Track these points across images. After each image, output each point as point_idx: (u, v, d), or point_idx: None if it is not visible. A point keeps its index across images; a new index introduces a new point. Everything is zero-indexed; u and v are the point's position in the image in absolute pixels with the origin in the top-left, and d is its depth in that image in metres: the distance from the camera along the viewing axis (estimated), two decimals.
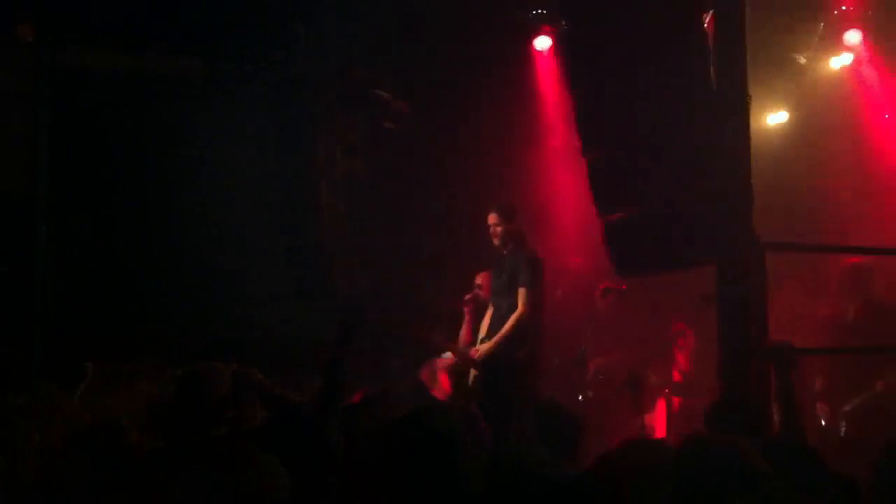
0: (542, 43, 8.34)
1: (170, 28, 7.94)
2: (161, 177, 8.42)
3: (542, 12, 8.19)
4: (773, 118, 8.16)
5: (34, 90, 7.71)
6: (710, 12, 4.84)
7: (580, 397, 7.20)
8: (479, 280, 7.33)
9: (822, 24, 7.63)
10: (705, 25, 4.86)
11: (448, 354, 6.94)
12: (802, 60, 7.80)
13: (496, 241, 6.82)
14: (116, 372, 5.93)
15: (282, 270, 8.70)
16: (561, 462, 3.60)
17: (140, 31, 7.91)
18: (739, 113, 4.64)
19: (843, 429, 6.28)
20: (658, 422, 7.56)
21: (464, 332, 7.27)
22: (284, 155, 8.79)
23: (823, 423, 6.67)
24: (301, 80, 8.59)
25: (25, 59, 7.63)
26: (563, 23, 6.73)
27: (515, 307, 6.55)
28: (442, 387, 6.89)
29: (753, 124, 4.78)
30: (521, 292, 6.52)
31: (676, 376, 7.69)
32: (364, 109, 8.80)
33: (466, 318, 7.23)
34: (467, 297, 7.22)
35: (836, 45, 7.72)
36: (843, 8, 7.54)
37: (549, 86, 8.48)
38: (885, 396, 6.33)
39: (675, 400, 7.50)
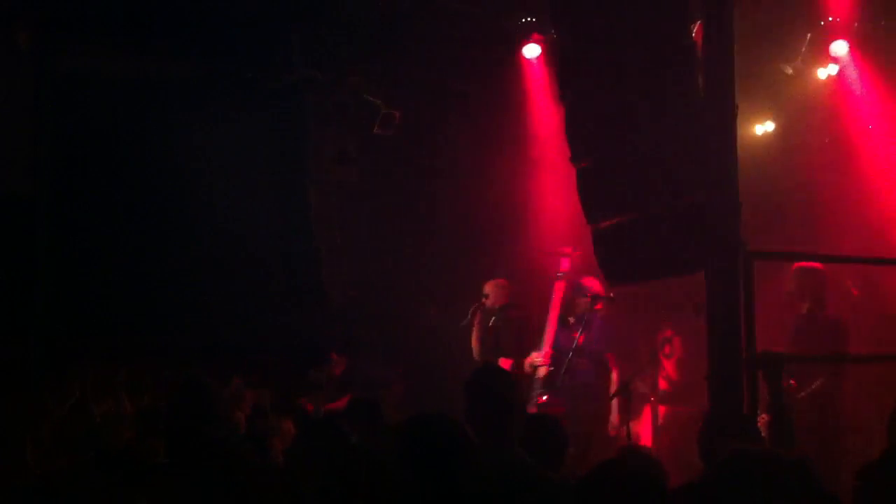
0: (532, 51, 8.37)
1: (168, 33, 7.94)
2: (158, 180, 8.42)
3: (531, 20, 8.21)
4: (760, 128, 8.20)
5: (35, 94, 7.69)
6: (699, 22, 4.88)
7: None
8: (486, 289, 7.42)
9: (809, 34, 7.68)
10: (693, 35, 4.89)
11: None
12: (789, 71, 7.84)
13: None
14: (115, 373, 5.93)
15: (275, 276, 8.71)
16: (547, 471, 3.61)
17: (139, 35, 7.92)
18: (727, 122, 4.67)
19: None
20: (643, 430, 7.57)
21: (474, 342, 7.44)
22: (278, 161, 8.80)
23: None
24: (295, 86, 8.59)
25: (26, 64, 7.61)
26: (553, 31, 6.78)
27: None
28: None
29: (740, 134, 4.81)
30: None
31: (663, 384, 7.70)
32: (356, 116, 8.82)
33: (476, 327, 7.41)
34: (474, 308, 7.42)
35: (823, 55, 7.77)
36: (830, 19, 7.58)
37: (538, 93, 8.51)
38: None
39: (661, 408, 7.51)
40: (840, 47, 7.68)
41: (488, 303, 7.42)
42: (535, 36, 8.30)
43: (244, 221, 8.65)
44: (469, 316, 7.44)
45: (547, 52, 8.17)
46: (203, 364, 6.76)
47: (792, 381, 6.13)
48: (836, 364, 6.34)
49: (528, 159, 8.65)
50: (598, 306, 7.09)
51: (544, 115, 8.37)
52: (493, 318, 7.37)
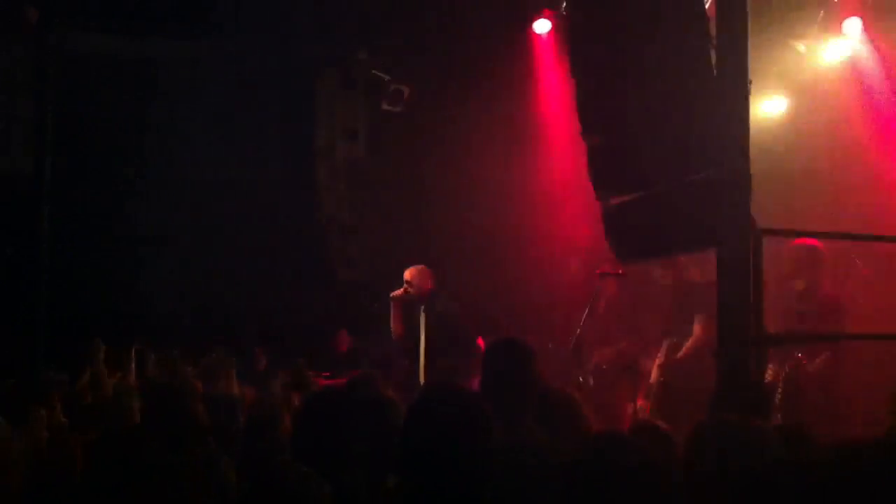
0: (542, 26, 8.32)
1: (176, 10, 7.91)
2: (163, 158, 8.43)
3: None
4: (772, 105, 8.15)
5: (39, 73, 7.68)
6: None
7: (581, 379, 7.21)
8: (408, 276, 7.26)
9: (822, 11, 7.61)
10: (707, 10, 4.84)
11: None
12: (801, 48, 7.78)
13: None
14: (121, 356, 5.95)
15: (282, 253, 8.71)
16: (558, 444, 3.61)
17: (146, 13, 7.89)
18: (739, 99, 4.62)
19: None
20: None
21: (396, 326, 7.31)
22: (285, 139, 8.79)
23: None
24: (303, 62, 8.57)
25: (31, 43, 7.59)
26: (564, 6, 6.73)
27: None
28: None
29: (752, 111, 4.76)
30: None
31: None
32: (365, 92, 8.78)
33: (396, 312, 7.27)
34: (396, 293, 7.24)
35: (836, 33, 7.70)
36: None
37: (549, 69, 8.47)
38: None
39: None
40: (853, 25, 7.62)
41: (412, 291, 7.19)
42: (546, 11, 8.25)
43: (251, 199, 8.65)
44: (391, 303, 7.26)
45: (557, 27, 8.12)
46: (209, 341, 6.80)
47: (800, 356, 6.14)
48: (837, 343, 6.33)
49: (537, 135, 8.62)
50: (607, 283, 7.07)
51: (554, 90, 8.33)
52: (423, 308, 7.15)
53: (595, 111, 5.23)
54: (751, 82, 4.60)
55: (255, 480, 3.19)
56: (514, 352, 3.63)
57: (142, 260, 8.46)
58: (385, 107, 8.82)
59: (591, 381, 7.47)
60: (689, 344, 6.67)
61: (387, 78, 8.76)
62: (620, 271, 6.96)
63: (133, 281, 8.32)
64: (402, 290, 7.23)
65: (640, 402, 7.17)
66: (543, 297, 8.51)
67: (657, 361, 6.70)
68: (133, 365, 6.41)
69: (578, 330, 6.97)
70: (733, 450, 2.42)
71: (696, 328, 6.70)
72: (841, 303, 6.51)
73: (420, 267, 7.32)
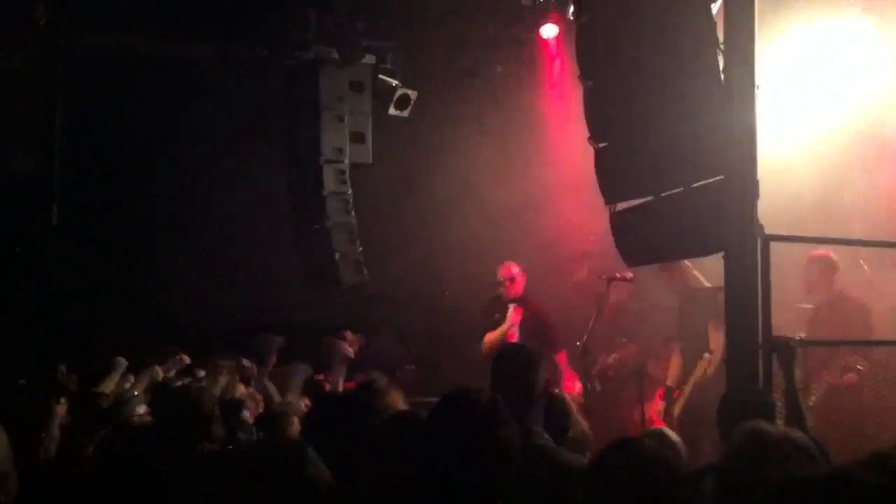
0: (549, 31, 8.33)
1: (184, 11, 7.93)
2: (171, 160, 8.45)
3: (549, 0, 8.18)
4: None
5: (50, 72, 7.70)
6: (720, 2, 4.83)
7: (588, 384, 7.21)
8: (504, 273, 7.32)
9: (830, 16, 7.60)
10: (715, 16, 4.85)
11: None
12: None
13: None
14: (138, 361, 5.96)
15: (289, 256, 8.72)
16: (565, 450, 3.62)
17: (154, 14, 7.91)
18: (746, 104, 4.63)
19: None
20: (656, 412, 7.56)
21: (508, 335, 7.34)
22: (292, 141, 8.80)
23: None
24: (309, 65, 8.58)
25: (41, 42, 7.61)
26: (572, 11, 6.73)
27: None
28: None
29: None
30: None
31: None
32: (372, 97, 8.80)
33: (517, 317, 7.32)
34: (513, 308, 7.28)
35: (841, 35, 7.68)
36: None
37: (556, 74, 8.48)
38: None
39: (675, 392, 7.50)
40: (861, 25, 7.60)
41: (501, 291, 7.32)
42: (553, 15, 8.26)
43: (259, 201, 8.66)
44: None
45: (564, 32, 8.13)
46: (217, 344, 6.81)
47: (859, 367, 6.15)
48: (865, 350, 6.31)
49: (545, 140, 8.62)
50: (615, 287, 7.07)
51: (561, 95, 8.34)
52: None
53: (603, 116, 5.24)
54: (758, 88, 4.60)
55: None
56: (521, 357, 3.65)
57: (150, 261, 8.48)
58: (392, 111, 8.83)
59: (598, 386, 7.47)
60: (716, 357, 6.59)
61: (394, 83, 8.78)
62: (628, 276, 6.95)
63: (141, 282, 8.34)
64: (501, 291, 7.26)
65: (648, 408, 7.17)
66: (550, 301, 8.50)
67: (666, 369, 6.61)
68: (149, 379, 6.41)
69: (585, 335, 6.97)
70: (773, 462, 2.40)
71: (718, 339, 6.61)
72: (865, 304, 6.54)
73: (513, 265, 7.38)
